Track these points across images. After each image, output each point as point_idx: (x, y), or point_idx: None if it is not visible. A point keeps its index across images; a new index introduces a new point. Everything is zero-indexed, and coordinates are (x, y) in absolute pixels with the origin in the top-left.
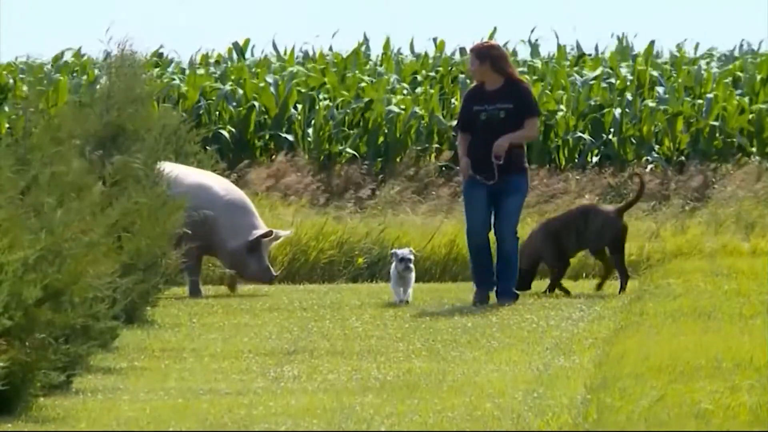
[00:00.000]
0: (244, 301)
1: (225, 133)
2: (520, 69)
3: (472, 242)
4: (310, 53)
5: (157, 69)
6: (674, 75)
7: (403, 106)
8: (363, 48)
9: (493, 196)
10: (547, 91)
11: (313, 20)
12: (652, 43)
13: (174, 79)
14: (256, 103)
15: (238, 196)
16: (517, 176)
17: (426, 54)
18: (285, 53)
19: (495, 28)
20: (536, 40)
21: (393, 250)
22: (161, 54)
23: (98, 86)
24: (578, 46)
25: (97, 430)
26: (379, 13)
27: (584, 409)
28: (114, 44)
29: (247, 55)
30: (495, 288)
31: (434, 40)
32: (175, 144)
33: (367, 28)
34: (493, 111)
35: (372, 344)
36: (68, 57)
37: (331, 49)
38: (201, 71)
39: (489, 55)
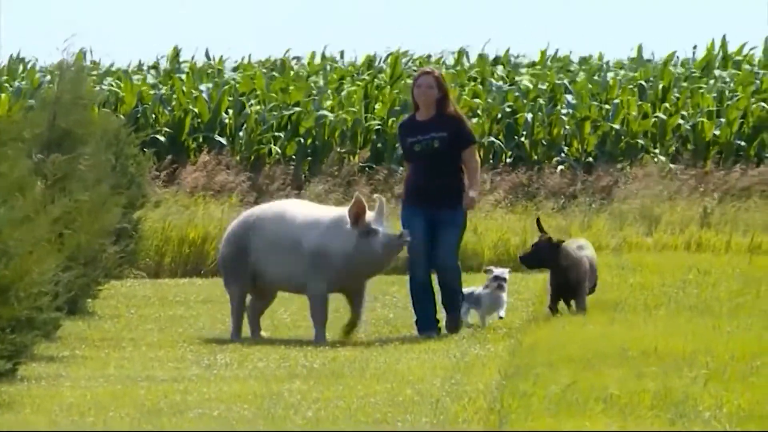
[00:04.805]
0: (179, 294)
1: (161, 136)
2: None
3: (415, 275)
4: (243, 61)
5: (93, 75)
6: (578, 81)
7: (331, 111)
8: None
9: (431, 227)
10: (465, 97)
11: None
12: (556, 51)
13: (112, 85)
14: (191, 107)
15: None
16: (453, 208)
17: (339, 56)
18: (214, 60)
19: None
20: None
21: (489, 267)
22: (94, 60)
23: (42, 91)
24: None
25: (41, 415)
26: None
27: (499, 395)
28: (62, 51)
29: (181, 61)
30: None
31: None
32: (116, 147)
33: (303, 37)
34: (427, 141)
35: (300, 334)
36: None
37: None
38: (138, 77)
39: (445, 87)
